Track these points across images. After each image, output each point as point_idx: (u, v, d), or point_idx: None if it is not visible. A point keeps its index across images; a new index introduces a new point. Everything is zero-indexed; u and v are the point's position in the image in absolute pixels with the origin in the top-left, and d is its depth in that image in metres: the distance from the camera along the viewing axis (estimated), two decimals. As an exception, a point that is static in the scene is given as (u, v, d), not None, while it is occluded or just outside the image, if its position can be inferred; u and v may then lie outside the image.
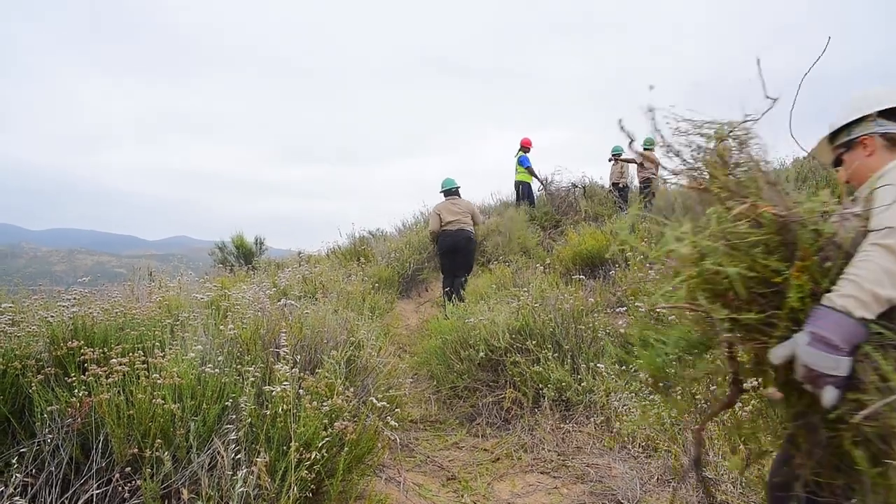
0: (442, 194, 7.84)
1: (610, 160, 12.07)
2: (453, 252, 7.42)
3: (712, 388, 2.14)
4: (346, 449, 2.41)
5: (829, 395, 1.26)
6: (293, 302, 4.08)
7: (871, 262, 1.30)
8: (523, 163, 11.73)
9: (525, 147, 11.85)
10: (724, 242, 1.33)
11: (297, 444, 2.24)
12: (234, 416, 2.45)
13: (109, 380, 2.32)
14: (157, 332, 3.10)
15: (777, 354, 1.32)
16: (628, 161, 11.69)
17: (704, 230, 1.36)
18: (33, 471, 2.16)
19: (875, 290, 1.27)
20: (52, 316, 3.11)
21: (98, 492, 2.11)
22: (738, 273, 1.30)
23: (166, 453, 2.14)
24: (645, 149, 11.26)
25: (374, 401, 2.72)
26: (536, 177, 12.00)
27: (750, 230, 1.34)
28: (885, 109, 1.71)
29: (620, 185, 11.70)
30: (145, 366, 2.44)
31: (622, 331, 4.79)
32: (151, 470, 2.14)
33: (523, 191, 12.04)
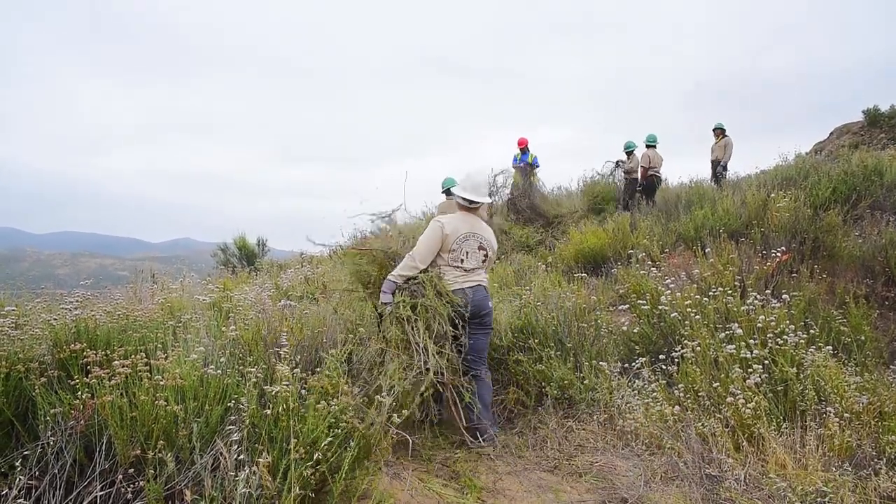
0: (444, 194, 7.82)
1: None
2: None
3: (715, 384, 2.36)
4: (351, 446, 2.41)
5: (388, 311, 3.54)
6: (293, 303, 4.10)
7: (403, 260, 3.65)
8: (515, 162, 11.97)
9: (521, 146, 11.96)
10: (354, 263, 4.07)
11: (302, 442, 2.24)
12: (236, 417, 2.45)
13: (112, 382, 2.33)
14: (159, 334, 3.11)
15: (381, 300, 3.64)
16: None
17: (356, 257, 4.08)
18: (37, 473, 2.17)
19: (399, 272, 3.60)
20: (54, 319, 3.13)
21: (102, 493, 2.12)
22: (352, 273, 4.06)
23: (169, 454, 2.15)
24: (648, 145, 11.25)
25: (379, 398, 2.72)
26: (526, 174, 12.09)
27: (362, 256, 4.02)
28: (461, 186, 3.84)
29: (633, 177, 11.67)
30: (148, 368, 2.45)
31: (624, 328, 4.78)
32: (155, 471, 2.15)
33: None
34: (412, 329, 3.44)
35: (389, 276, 3.63)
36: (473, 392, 3.57)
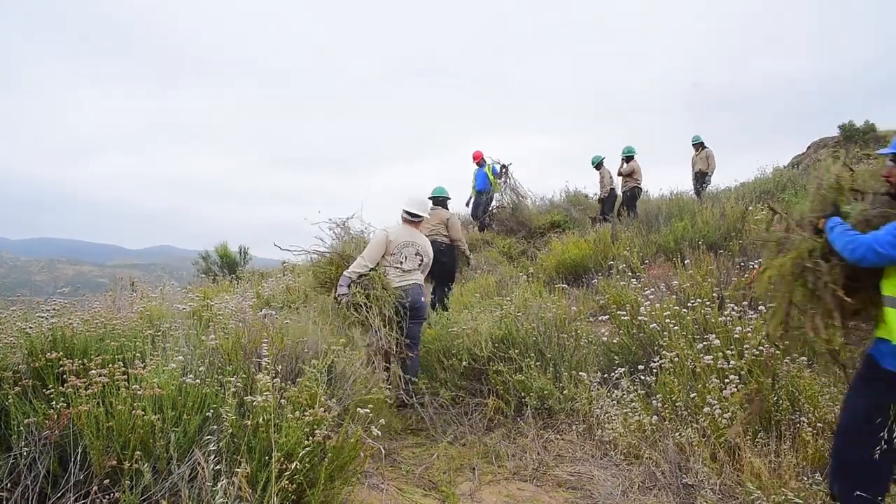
0: (428, 199, 7.83)
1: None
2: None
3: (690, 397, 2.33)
4: (328, 458, 2.41)
5: (345, 300, 4.40)
6: (273, 312, 4.09)
7: (356, 260, 4.54)
8: (482, 180, 12.11)
9: (476, 160, 12.01)
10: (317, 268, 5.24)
11: (279, 454, 2.24)
12: (215, 427, 2.44)
13: (89, 391, 2.30)
14: (138, 343, 3.08)
15: (338, 292, 4.49)
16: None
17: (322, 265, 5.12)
18: (9, 485, 2.14)
19: (352, 269, 4.49)
20: (30, 327, 3.08)
21: (76, 505, 2.09)
22: (317, 274, 5.21)
23: (146, 465, 2.13)
24: (627, 157, 11.39)
25: (358, 410, 2.72)
26: (478, 191, 12.25)
27: (327, 262, 5.06)
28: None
29: (609, 187, 11.86)
30: (125, 377, 2.43)
31: (604, 339, 4.83)
32: (131, 482, 2.12)
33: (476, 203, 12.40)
34: (367, 312, 4.31)
35: (345, 273, 4.51)
36: (408, 365, 4.48)
